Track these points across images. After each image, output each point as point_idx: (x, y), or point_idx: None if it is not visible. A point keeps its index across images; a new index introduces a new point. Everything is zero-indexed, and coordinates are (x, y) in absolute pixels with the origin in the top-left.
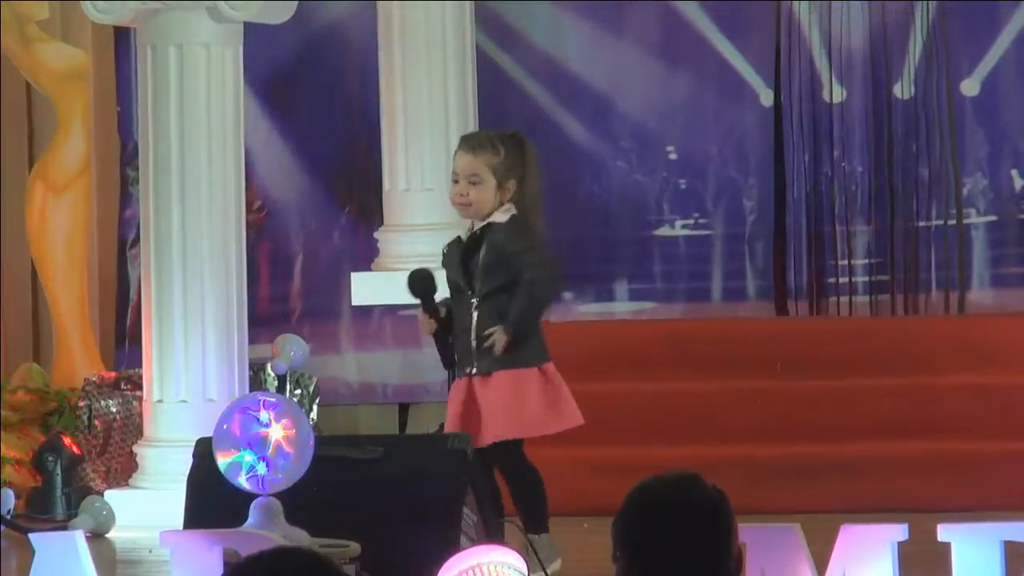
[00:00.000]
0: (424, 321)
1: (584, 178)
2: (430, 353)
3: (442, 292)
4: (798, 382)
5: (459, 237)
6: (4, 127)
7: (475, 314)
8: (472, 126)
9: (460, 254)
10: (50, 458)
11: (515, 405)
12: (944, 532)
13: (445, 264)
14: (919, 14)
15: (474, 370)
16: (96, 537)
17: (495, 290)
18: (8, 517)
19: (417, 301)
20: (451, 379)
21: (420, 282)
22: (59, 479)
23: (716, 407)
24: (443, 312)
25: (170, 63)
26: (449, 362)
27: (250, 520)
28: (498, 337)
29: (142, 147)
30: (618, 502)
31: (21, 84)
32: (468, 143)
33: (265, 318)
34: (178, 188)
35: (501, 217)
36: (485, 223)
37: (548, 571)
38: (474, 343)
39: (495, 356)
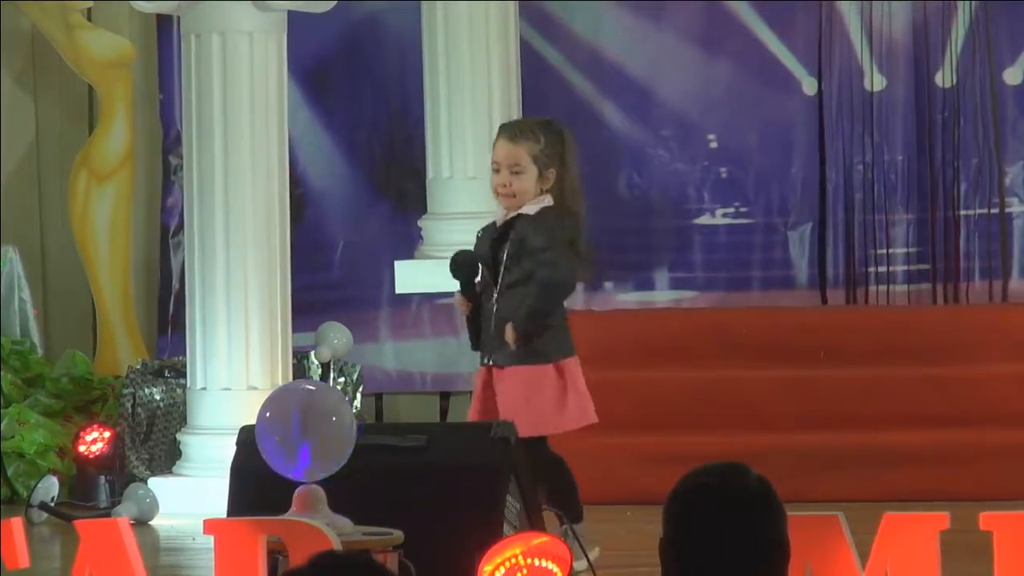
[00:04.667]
0: (461, 303)
1: (625, 167)
2: (467, 342)
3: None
4: (840, 371)
5: (494, 222)
6: (66, 119)
7: (495, 304)
8: (515, 115)
9: (489, 242)
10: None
11: (525, 402)
12: (986, 521)
13: (476, 249)
14: (962, 3)
15: (490, 360)
16: (139, 524)
17: (515, 282)
18: (52, 504)
19: (457, 283)
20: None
21: (463, 266)
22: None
23: (758, 396)
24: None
25: (213, 51)
26: (475, 346)
27: (293, 508)
28: (508, 332)
29: (185, 135)
30: (660, 490)
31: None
32: (508, 131)
33: (305, 306)
34: (221, 176)
35: (530, 209)
36: (515, 214)
37: (591, 559)
38: (493, 332)
39: (510, 350)
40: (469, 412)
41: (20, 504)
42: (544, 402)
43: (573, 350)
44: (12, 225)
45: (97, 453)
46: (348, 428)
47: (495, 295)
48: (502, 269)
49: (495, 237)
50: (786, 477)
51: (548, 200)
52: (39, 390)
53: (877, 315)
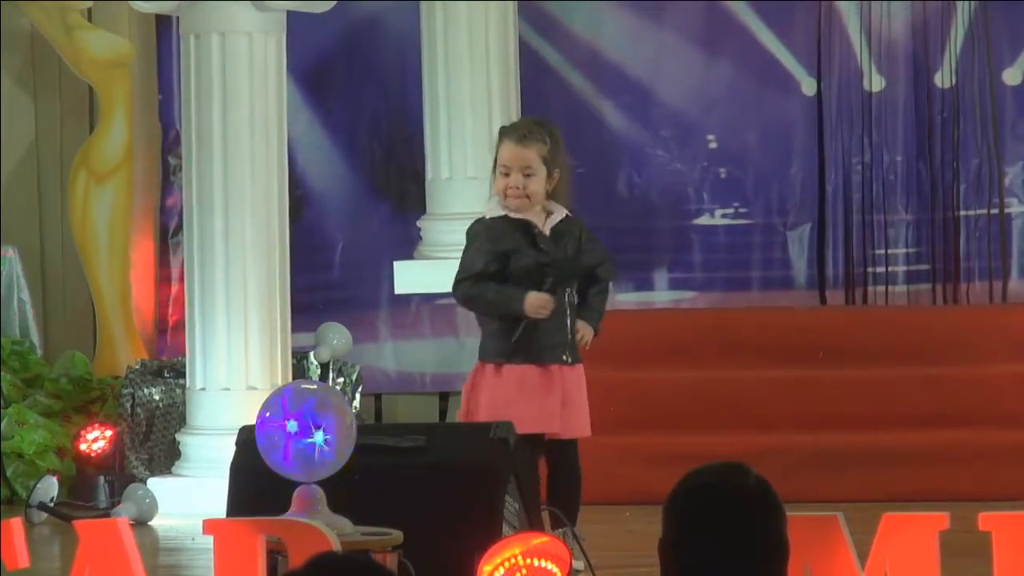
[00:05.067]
0: (549, 305)
1: (624, 167)
2: (467, 343)
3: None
4: (840, 371)
5: (500, 217)
6: (66, 119)
7: (568, 304)
8: (515, 115)
9: (539, 244)
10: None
11: (584, 400)
12: (985, 521)
13: (498, 245)
14: (961, 3)
15: (567, 358)
16: (139, 525)
17: (601, 288)
18: (51, 505)
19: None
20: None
21: (573, 273)
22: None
23: (757, 396)
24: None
25: (212, 52)
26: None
27: (293, 508)
28: (585, 329)
29: (184, 136)
30: (660, 490)
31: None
32: (515, 134)
33: (305, 306)
34: (221, 176)
35: (559, 212)
36: (565, 214)
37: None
38: (569, 334)
39: (578, 349)
40: (466, 410)
41: (19, 504)
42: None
43: None
44: (11, 225)
45: (99, 452)
46: (349, 427)
47: (566, 298)
48: (577, 272)
49: (550, 238)
50: (785, 477)
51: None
52: (38, 390)
53: (876, 315)
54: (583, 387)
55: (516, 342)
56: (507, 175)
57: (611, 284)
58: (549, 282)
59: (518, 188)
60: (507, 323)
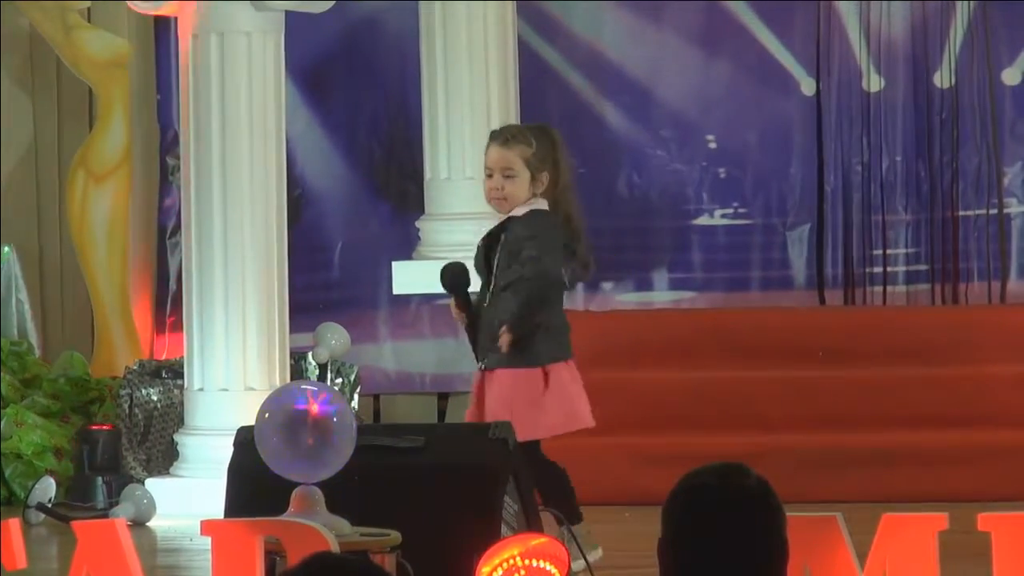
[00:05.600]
0: (457, 314)
1: (624, 168)
2: (466, 343)
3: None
4: (839, 371)
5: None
6: (64, 120)
7: (487, 308)
8: (514, 115)
9: (483, 248)
10: (85, 447)
11: (507, 405)
12: (985, 522)
13: (475, 259)
14: (960, 3)
15: (483, 364)
16: (137, 525)
17: (507, 285)
18: (49, 505)
19: (450, 294)
20: None
21: (452, 276)
22: (99, 467)
23: (757, 396)
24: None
25: (211, 52)
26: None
27: (291, 509)
28: (502, 335)
29: (183, 136)
30: (659, 491)
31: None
32: (499, 136)
33: (304, 307)
34: (219, 177)
35: (520, 211)
36: (507, 217)
37: (590, 560)
38: (485, 337)
39: (500, 353)
40: (466, 415)
41: (18, 505)
42: (523, 406)
43: (568, 353)
44: (10, 225)
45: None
46: (349, 427)
47: (488, 297)
48: (495, 272)
49: (487, 241)
50: (785, 477)
51: (541, 203)
52: (37, 391)
53: (875, 316)
54: (495, 394)
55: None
56: (490, 176)
57: (535, 286)
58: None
59: (497, 190)
60: None
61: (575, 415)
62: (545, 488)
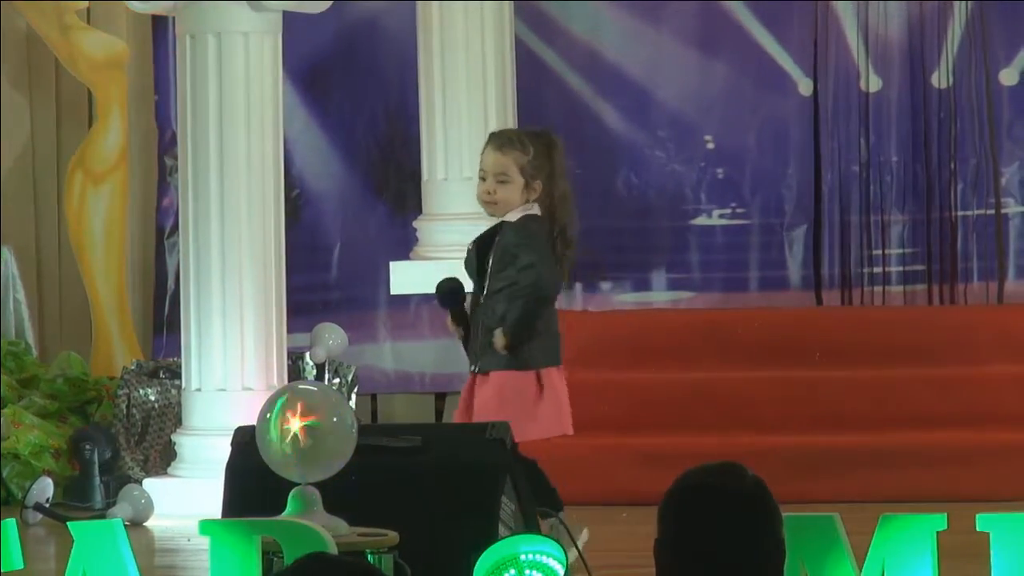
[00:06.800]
0: (453, 328)
1: (622, 168)
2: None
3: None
4: (836, 372)
5: (484, 232)
6: (63, 120)
7: (479, 312)
8: (511, 116)
9: (475, 251)
10: (87, 447)
11: (498, 407)
12: (983, 522)
13: (466, 262)
14: (958, 3)
15: (476, 368)
16: (134, 526)
17: (499, 289)
18: (47, 506)
19: (445, 309)
20: None
21: (447, 293)
22: (96, 467)
23: (754, 396)
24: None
25: (208, 52)
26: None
27: (288, 509)
28: (497, 338)
29: (180, 136)
30: (656, 491)
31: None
32: (497, 140)
33: (302, 307)
34: (217, 177)
35: (513, 216)
36: (499, 222)
37: (579, 545)
38: (478, 340)
39: (493, 355)
40: (454, 416)
41: (15, 505)
42: (516, 409)
43: (558, 359)
44: (8, 226)
45: None
46: (349, 427)
47: (481, 301)
48: (487, 276)
49: (480, 245)
50: (782, 478)
51: (534, 208)
52: (34, 391)
53: (873, 316)
54: (486, 396)
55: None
56: (484, 179)
57: (532, 293)
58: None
59: (488, 193)
60: None
61: (562, 421)
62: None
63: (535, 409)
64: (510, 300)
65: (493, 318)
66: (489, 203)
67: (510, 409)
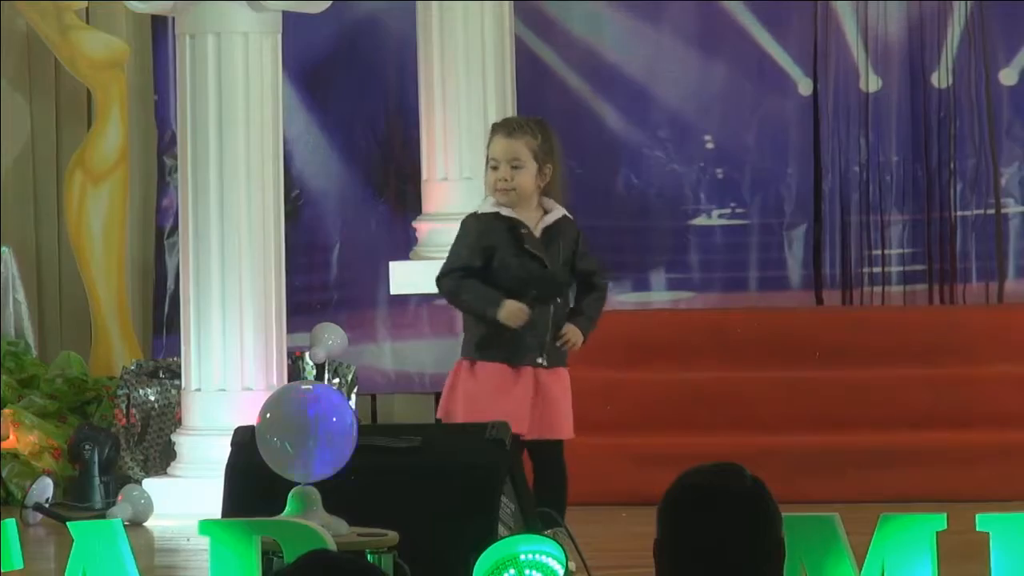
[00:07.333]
0: (525, 312)
1: (621, 168)
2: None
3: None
4: (836, 372)
5: (491, 214)
6: (63, 120)
7: (552, 308)
8: (511, 115)
9: (525, 244)
10: (87, 447)
11: (568, 402)
12: (983, 522)
13: (482, 240)
14: (957, 3)
15: (543, 361)
16: (134, 526)
17: (592, 288)
18: (47, 506)
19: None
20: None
21: (547, 285)
22: (96, 467)
23: (754, 397)
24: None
25: (208, 52)
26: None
27: (288, 509)
28: (574, 334)
29: (180, 136)
30: (655, 491)
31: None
32: (505, 128)
33: (302, 307)
34: (216, 177)
35: (560, 212)
36: (561, 215)
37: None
38: (549, 337)
39: (560, 351)
40: (445, 407)
41: (15, 505)
42: (571, 404)
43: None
44: (7, 225)
45: None
46: (350, 427)
47: (555, 300)
48: (557, 266)
49: (540, 240)
50: (782, 478)
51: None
52: (34, 391)
53: (873, 316)
54: (562, 390)
55: (485, 340)
56: (496, 168)
57: (608, 290)
58: (532, 295)
59: (506, 180)
60: (483, 321)
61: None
62: (550, 486)
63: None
64: (595, 302)
65: (563, 314)
66: (506, 190)
67: (572, 404)
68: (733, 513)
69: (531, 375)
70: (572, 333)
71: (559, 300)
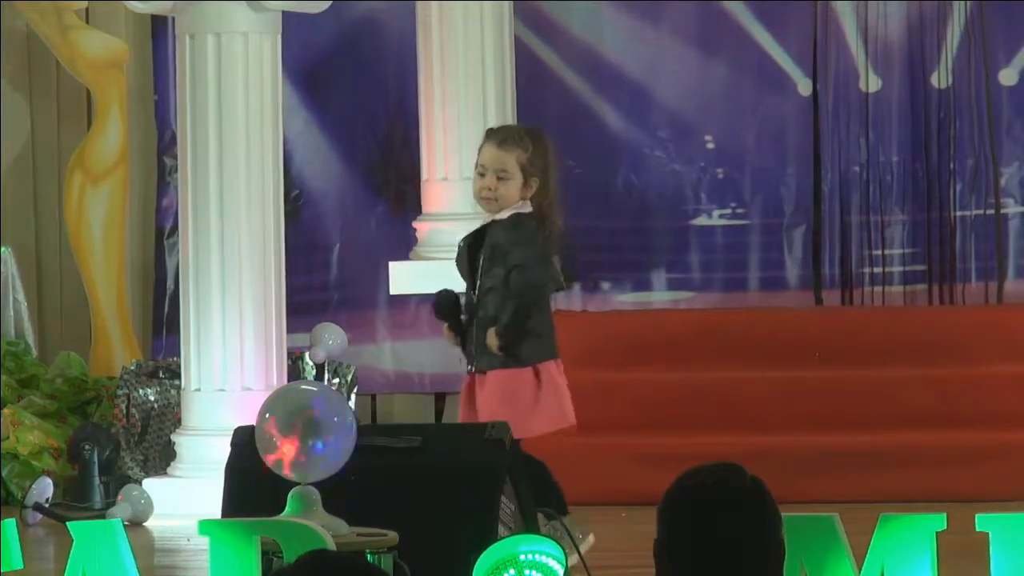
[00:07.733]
0: (451, 337)
1: (622, 168)
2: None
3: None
4: (836, 372)
5: (475, 230)
6: (63, 120)
7: (474, 310)
8: (510, 115)
9: (467, 250)
10: (87, 447)
11: (500, 406)
12: (983, 522)
13: (457, 259)
14: (957, 3)
15: (472, 367)
16: (134, 526)
17: (491, 288)
18: (47, 506)
19: (442, 321)
20: None
21: (444, 305)
22: (96, 467)
23: (753, 397)
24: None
25: (208, 52)
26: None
27: (288, 509)
28: (491, 338)
29: (180, 136)
30: (655, 491)
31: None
32: (497, 136)
33: (302, 307)
34: (216, 177)
35: (504, 214)
36: (490, 220)
37: (584, 547)
38: (474, 340)
39: (489, 355)
40: (459, 418)
41: (15, 505)
42: (518, 406)
43: (555, 353)
44: (7, 226)
45: None
46: (350, 427)
47: (474, 298)
48: (479, 275)
49: (471, 243)
50: (781, 478)
51: (525, 206)
52: (34, 391)
53: (872, 316)
54: (497, 393)
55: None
56: (483, 175)
57: (524, 291)
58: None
59: (489, 190)
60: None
61: (565, 413)
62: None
63: (536, 404)
64: (502, 301)
65: (486, 317)
66: (488, 199)
67: (511, 407)
68: (733, 513)
69: (473, 382)
70: (489, 335)
71: (476, 299)
